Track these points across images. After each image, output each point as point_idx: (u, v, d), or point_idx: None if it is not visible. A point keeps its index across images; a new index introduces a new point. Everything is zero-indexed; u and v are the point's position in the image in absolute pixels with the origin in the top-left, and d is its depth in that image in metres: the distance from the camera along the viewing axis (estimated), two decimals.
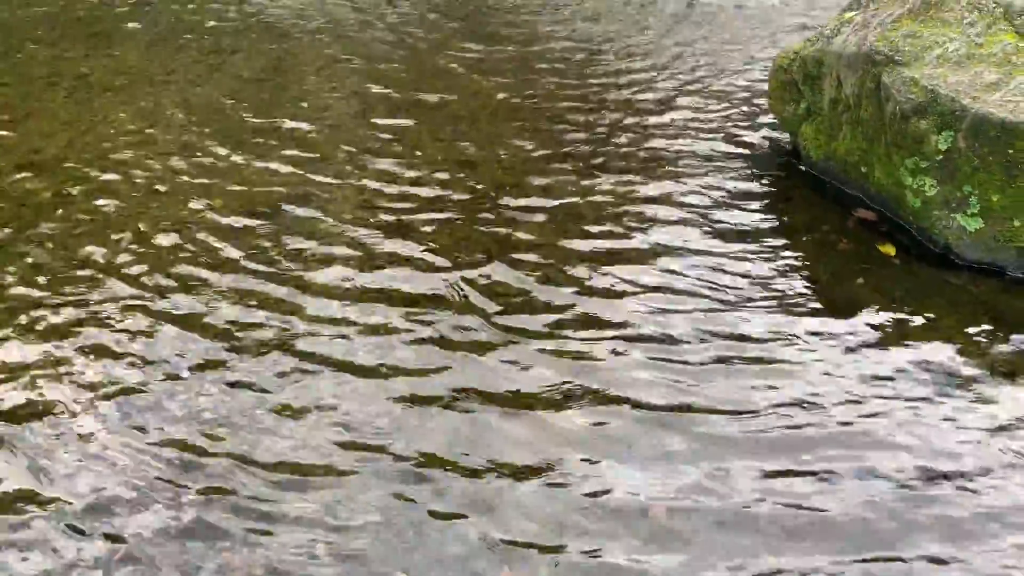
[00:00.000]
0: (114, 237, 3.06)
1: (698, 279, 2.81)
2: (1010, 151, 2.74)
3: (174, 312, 2.68)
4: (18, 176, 3.44)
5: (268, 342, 2.54)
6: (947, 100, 2.84)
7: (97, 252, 2.97)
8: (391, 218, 3.16)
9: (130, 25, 5.06)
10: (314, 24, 5.04)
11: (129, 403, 2.30)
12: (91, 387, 2.36)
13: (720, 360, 2.46)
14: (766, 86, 3.74)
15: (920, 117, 2.90)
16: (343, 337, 2.55)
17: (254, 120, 3.90)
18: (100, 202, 3.27)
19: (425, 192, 3.33)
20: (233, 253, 2.95)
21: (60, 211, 3.22)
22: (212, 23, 5.08)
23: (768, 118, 3.77)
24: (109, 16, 5.21)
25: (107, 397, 2.32)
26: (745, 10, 5.20)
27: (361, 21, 5.11)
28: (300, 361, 2.46)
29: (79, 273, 2.87)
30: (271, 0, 5.43)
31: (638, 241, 3.01)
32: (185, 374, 2.42)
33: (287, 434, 2.21)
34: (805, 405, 2.30)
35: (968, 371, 2.42)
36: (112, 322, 2.63)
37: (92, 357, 2.47)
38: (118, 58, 4.59)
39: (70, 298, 2.74)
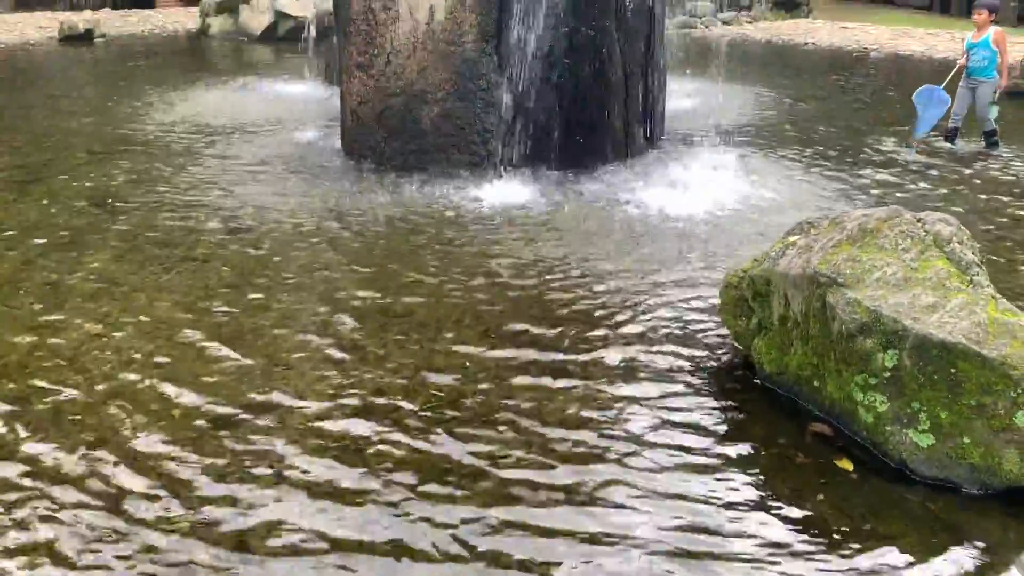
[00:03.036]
0: (68, 445, 3.01)
1: (658, 497, 2.80)
2: (952, 370, 2.86)
3: (118, 532, 2.59)
4: None
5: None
6: (889, 320, 2.99)
7: (47, 462, 2.91)
8: (349, 435, 3.15)
9: (106, 233, 5.20)
10: (287, 234, 5.23)
11: None
12: None
13: None
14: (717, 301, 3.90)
15: (865, 336, 3.04)
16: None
17: (219, 328, 3.95)
18: (57, 410, 3.23)
19: (387, 401, 3.35)
20: (186, 472, 2.90)
21: (17, 418, 3.18)
22: (186, 232, 5.24)
23: (722, 331, 3.90)
24: (87, 225, 5.35)
25: None
26: (702, 226, 5.50)
27: (332, 231, 5.30)
28: None
29: (28, 481, 2.79)
30: (246, 211, 5.65)
31: (595, 461, 3.00)
32: None
33: None
34: None
35: None
36: (55, 542, 2.53)
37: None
38: (89, 265, 4.68)
39: (16, 507, 2.65)
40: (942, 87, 7.77)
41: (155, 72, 11.97)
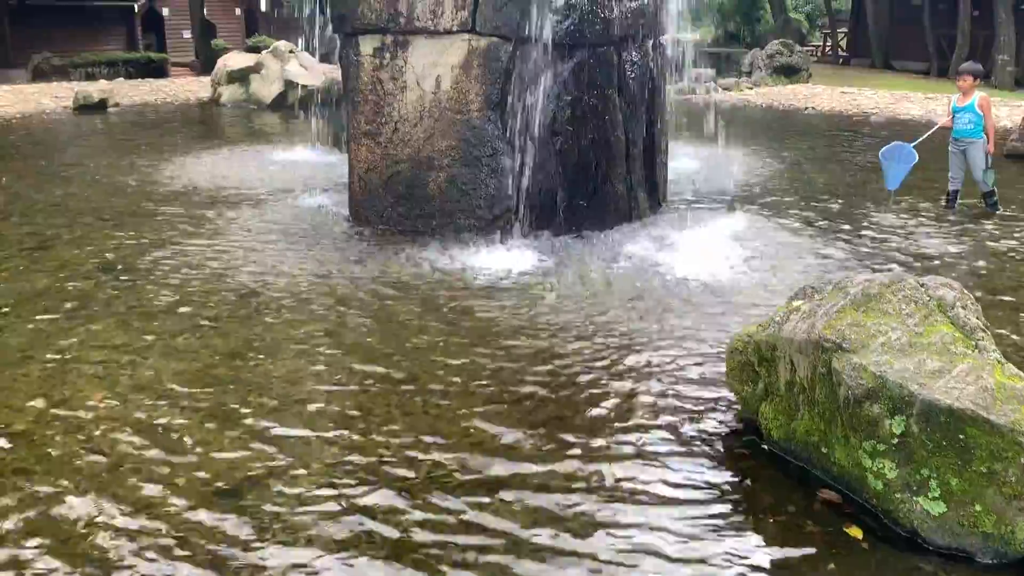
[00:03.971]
0: (72, 518, 2.99)
1: (666, 567, 2.76)
2: (961, 436, 2.84)
3: None
4: None
5: None
6: (895, 386, 2.98)
7: (49, 538, 2.88)
8: (352, 502, 3.12)
9: (114, 300, 5.24)
10: (294, 300, 5.25)
11: None
12: None
13: None
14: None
15: (872, 402, 3.02)
16: None
17: (224, 396, 3.94)
18: (62, 481, 3.22)
19: (391, 470, 3.32)
20: (192, 540, 2.87)
21: (20, 488, 3.16)
22: (193, 299, 5.27)
23: (729, 396, 3.89)
24: (95, 292, 5.40)
25: None
26: (706, 290, 5.51)
27: (338, 297, 5.33)
28: None
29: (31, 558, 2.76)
30: (253, 278, 5.70)
31: (600, 527, 2.97)
32: None
33: None
34: None
35: None
36: None
37: None
38: (96, 333, 4.70)
39: None
40: (913, 145, 7.97)
41: (166, 140, 12.20)
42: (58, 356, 4.38)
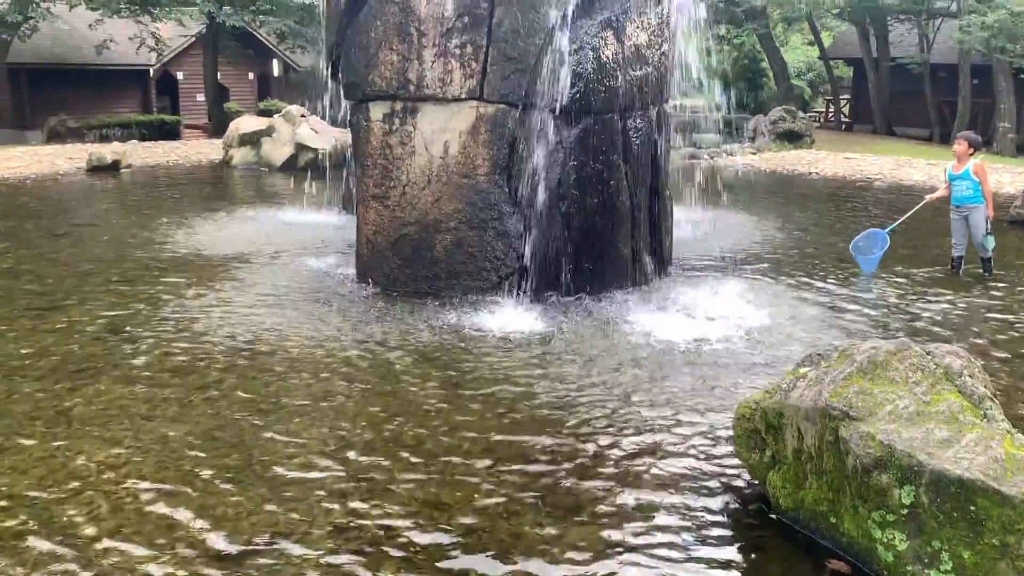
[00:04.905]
0: None
1: None
2: (972, 507, 2.80)
3: None
4: None
5: None
6: (904, 456, 2.95)
7: None
8: (356, 571, 3.08)
9: (121, 361, 5.25)
10: (300, 361, 5.26)
11: None
12: None
13: None
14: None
15: (880, 471, 2.99)
16: None
17: (229, 459, 3.93)
18: (60, 543, 3.19)
19: (394, 537, 3.28)
20: None
21: (20, 552, 3.13)
22: (200, 359, 5.28)
23: (736, 463, 3.85)
24: (102, 352, 5.41)
25: None
26: (711, 354, 5.50)
27: (343, 358, 5.34)
28: None
29: None
30: (259, 340, 5.71)
31: None
32: None
33: None
34: None
35: None
36: None
37: None
38: (102, 392, 4.70)
39: None
40: (893, 228, 8.11)
41: (177, 201, 12.35)
42: (63, 416, 4.37)
